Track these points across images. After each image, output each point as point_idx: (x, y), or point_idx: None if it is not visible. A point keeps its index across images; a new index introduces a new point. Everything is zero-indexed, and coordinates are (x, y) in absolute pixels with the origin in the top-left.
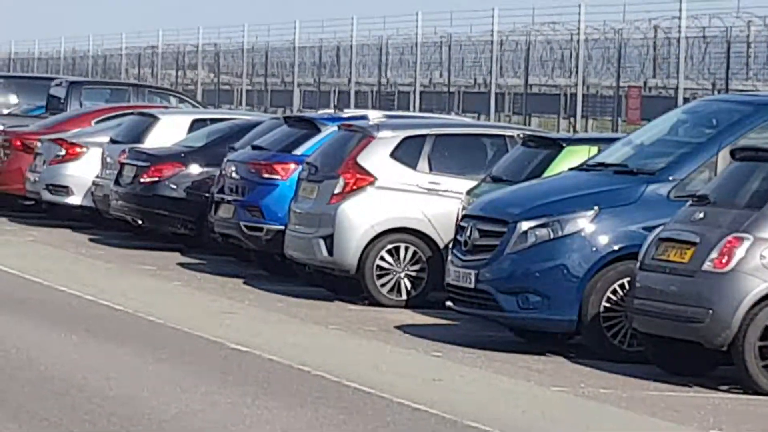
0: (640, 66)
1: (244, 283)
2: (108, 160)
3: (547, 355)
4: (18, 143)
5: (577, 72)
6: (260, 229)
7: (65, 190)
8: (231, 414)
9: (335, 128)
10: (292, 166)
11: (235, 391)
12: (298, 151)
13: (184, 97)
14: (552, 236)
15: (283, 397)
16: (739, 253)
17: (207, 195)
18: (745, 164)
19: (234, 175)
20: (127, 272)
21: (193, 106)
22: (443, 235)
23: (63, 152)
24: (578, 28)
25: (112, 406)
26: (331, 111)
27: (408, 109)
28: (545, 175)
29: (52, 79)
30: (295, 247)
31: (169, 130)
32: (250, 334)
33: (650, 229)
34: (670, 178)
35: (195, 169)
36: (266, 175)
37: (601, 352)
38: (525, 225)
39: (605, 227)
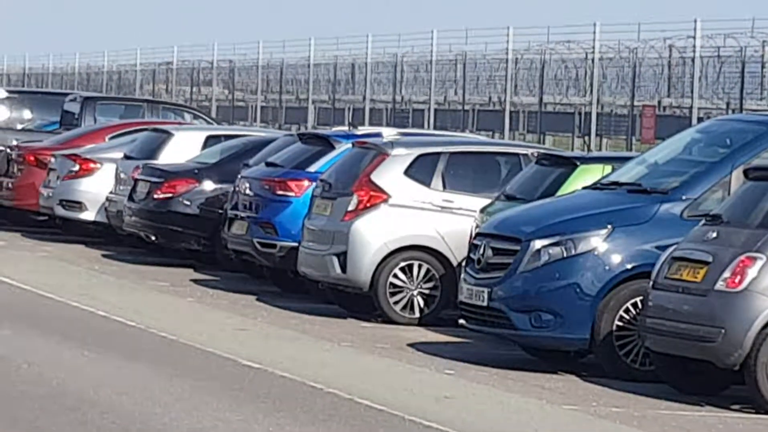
0: (655, 85)
1: (257, 299)
2: (122, 176)
3: (559, 373)
4: (32, 158)
5: (591, 91)
6: (274, 246)
7: (79, 205)
8: (243, 431)
9: (349, 145)
10: (306, 183)
11: (247, 408)
12: (312, 168)
13: (199, 114)
14: (565, 255)
15: (295, 414)
16: (752, 272)
17: (220, 211)
18: (758, 184)
19: (248, 191)
20: (141, 288)
21: (208, 122)
22: (456, 252)
23: (77, 168)
24: (593, 47)
25: (124, 422)
26: (345, 128)
27: (422, 126)
28: (559, 193)
29: (66, 94)
30: (309, 264)
31: (183, 147)
32: (263, 350)
33: (663, 248)
34: (684, 197)
35: (209, 185)
36: (280, 192)
37: (613, 370)
38: (538, 243)
39: (618, 246)
